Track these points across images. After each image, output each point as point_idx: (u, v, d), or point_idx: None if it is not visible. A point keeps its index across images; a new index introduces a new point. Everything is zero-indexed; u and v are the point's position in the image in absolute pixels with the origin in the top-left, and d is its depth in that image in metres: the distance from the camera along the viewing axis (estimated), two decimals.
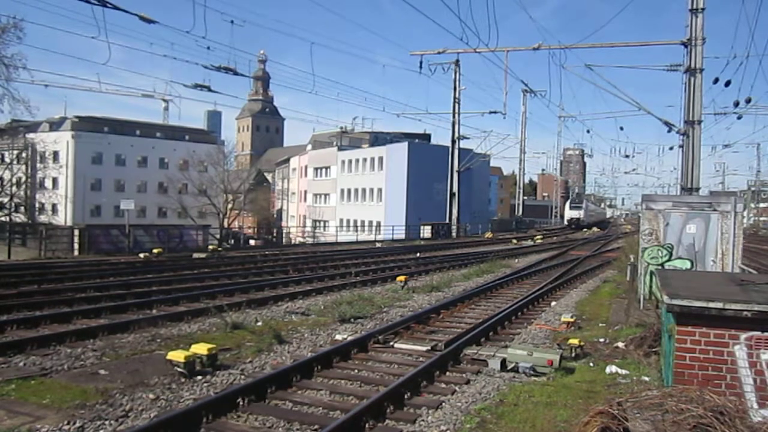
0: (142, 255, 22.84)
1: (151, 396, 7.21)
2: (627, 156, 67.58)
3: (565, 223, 71.90)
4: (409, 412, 6.94)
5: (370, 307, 13.58)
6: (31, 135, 58.28)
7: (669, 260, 13.04)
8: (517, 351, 8.94)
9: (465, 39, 20.52)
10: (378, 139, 65.70)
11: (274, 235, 68.45)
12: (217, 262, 22.43)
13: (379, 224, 50.71)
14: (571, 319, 12.55)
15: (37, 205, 63.15)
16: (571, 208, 71.71)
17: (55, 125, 67.66)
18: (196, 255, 23.98)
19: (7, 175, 50.86)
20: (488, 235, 49.73)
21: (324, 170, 68.25)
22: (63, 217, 61.71)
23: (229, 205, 54.00)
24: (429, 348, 9.79)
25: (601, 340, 10.78)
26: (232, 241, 51.73)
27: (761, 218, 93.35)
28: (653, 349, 9.11)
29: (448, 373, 8.64)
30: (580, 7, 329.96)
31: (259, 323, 11.75)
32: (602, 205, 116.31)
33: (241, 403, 6.83)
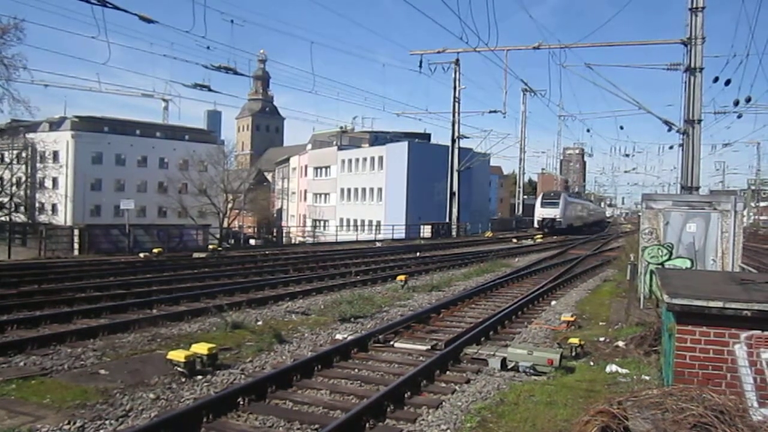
0: (142, 255, 22.86)
1: (152, 396, 7.21)
2: (627, 155, 67.58)
3: (535, 225, 53.90)
4: (410, 412, 6.95)
5: (371, 306, 13.58)
6: (31, 135, 58.28)
7: (669, 259, 13.03)
8: (517, 350, 8.93)
9: (465, 38, 20.54)
10: (378, 138, 65.68)
11: (274, 234, 68.39)
12: (217, 261, 22.44)
13: (379, 224, 50.71)
14: (572, 318, 12.55)
15: (37, 204, 63.09)
16: (543, 205, 53.04)
17: (55, 125, 67.68)
18: (196, 255, 23.98)
19: (7, 175, 50.86)
20: (488, 234, 49.76)
21: (324, 170, 68.25)
22: (63, 216, 61.71)
23: (229, 205, 54.02)
24: (429, 347, 9.79)
25: (602, 339, 10.78)
26: (232, 241, 51.67)
27: (761, 217, 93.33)
28: (653, 348, 9.11)
29: (448, 373, 8.65)
30: (580, 6, 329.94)
31: (260, 323, 11.76)
32: (602, 204, 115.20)
33: (241, 402, 6.83)
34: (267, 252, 28.62)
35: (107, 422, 6.30)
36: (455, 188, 47.85)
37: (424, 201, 52.36)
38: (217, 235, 36.87)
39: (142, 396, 7.19)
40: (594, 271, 23.52)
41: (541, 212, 52.73)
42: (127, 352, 9.22)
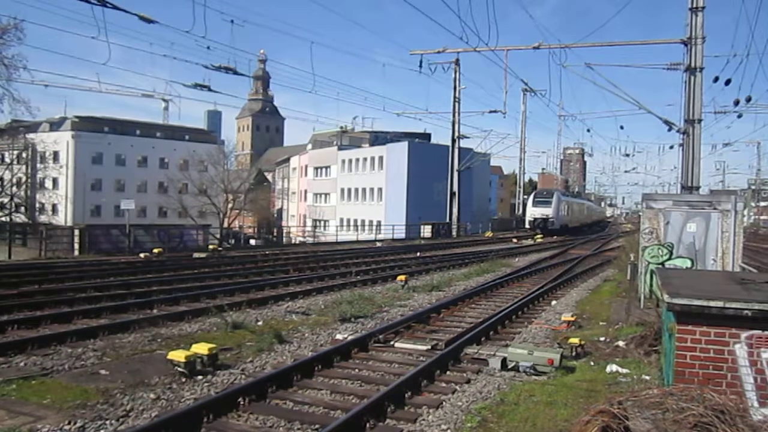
0: (142, 255, 22.86)
1: (152, 396, 7.21)
2: (627, 155, 67.53)
3: (527, 225, 51.39)
4: (410, 412, 6.94)
5: (371, 306, 13.58)
6: (31, 135, 58.27)
7: (669, 259, 13.03)
8: (517, 350, 8.93)
9: (465, 38, 20.63)
10: (378, 138, 65.70)
11: (275, 234, 68.41)
12: (217, 261, 22.44)
13: (379, 224, 50.70)
14: (572, 318, 12.55)
15: (37, 205, 63.17)
16: (534, 204, 50.38)
17: (55, 125, 67.71)
18: (196, 255, 23.98)
19: (7, 176, 50.90)
20: (488, 234, 49.73)
21: (324, 170, 68.28)
22: (63, 217, 61.75)
23: (230, 205, 54.05)
24: (429, 347, 9.79)
25: (602, 339, 10.78)
26: (233, 241, 51.67)
27: (761, 217, 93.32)
28: (654, 348, 9.11)
29: (448, 373, 8.64)
30: (580, 6, 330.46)
31: (260, 323, 11.76)
32: (603, 204, 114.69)
33: (241, 402, 6.83)
34: (267, 252, 28.61)
35: (107, 422, 6.30)
36: (455, 188, 47.83)
37: (424, 201, 52.35)
38: (218, 235, 36.88)
39: (142, 396, 7.19)
40: (594, 271, 23.52)
41: (532, 212, 50.23)
42: (128, 352, 9.21)
